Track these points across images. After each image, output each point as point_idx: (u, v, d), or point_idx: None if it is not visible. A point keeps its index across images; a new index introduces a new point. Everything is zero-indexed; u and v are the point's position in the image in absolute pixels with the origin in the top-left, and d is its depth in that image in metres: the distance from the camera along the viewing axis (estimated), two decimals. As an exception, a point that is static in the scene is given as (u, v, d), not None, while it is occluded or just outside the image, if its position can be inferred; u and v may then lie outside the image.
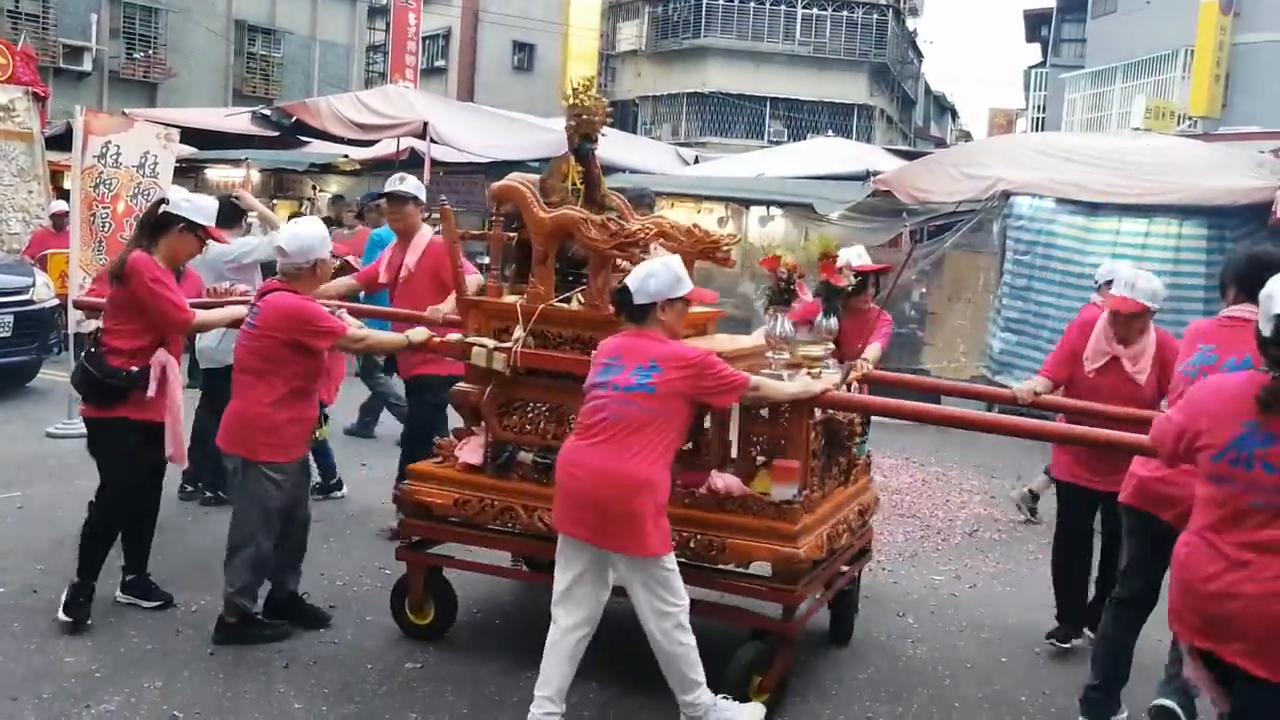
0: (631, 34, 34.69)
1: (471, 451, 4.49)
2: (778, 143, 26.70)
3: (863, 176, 12.99)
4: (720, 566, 4.18)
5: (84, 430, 4.94)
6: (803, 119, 31.98)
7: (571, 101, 4.69)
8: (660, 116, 33.88)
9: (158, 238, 4.61)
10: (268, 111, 14.00)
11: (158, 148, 9.16)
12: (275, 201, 15.31)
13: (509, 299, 4.52)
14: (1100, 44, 26.84)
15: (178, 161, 11.08)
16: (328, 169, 15.95)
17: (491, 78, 32.75)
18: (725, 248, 4.80)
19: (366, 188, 15.97)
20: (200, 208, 4.71)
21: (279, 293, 4.42)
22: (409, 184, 5.93)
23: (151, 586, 4.85)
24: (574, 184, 4.70)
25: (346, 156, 15.18)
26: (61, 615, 4.50)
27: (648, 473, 3.67)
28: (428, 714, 4.00)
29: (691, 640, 3.73)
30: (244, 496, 4.53)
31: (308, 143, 15.54)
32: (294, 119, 13.26)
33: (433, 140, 12.33)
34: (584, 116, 4.63)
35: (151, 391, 4.57)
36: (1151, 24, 23.71)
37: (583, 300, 4.42)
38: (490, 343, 4.37)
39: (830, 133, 22.59)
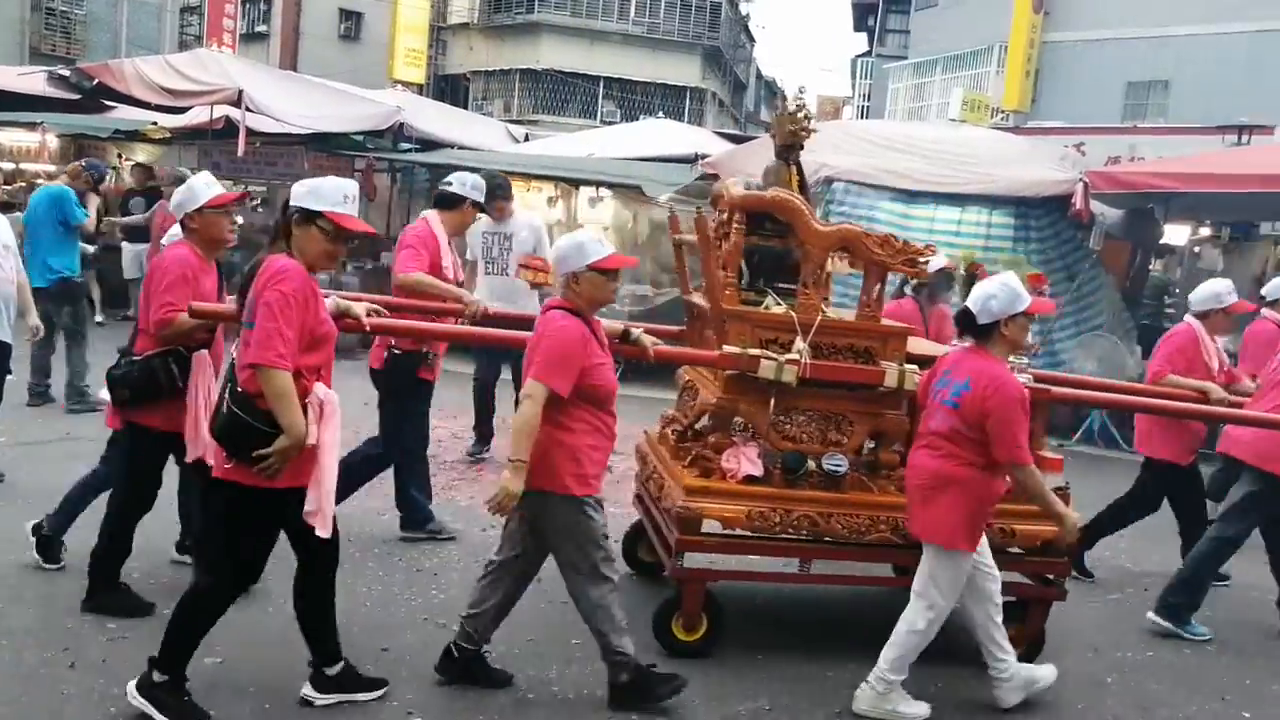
0: (463, 6, 34.01)
1: (751, 463, 4.54)
2: (610, 123, 26.69)
3: (691, 159, 13.10)
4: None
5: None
6: (636, 100, 32.06)
7: (789, 112, 4.98)
8: (492, 92, 33.40)
9: (288, 239, 3.59)
10: (66, 72, 13.05)
11: (-66, 107, 8.46)
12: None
13: (774, 309, 4.60)
14: (922, 36, 27.83)
15: (-39, 123, 10.29)
16: (134, 136, 15.04)
17: (316, 46, 31.67)
18: (924, 260, 4.59)
19: (177, 157, 15.18)
20: (317, 191, 3.54)
21: (554, 311, 3.89)
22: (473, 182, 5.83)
23: None
24: (797, 191, 4.84)
25: (155, 124, 14.34)
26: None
27: (955, 470, 4.01)
28: (230, 710, 3.76)
29: (930, 630, 4.12)
30: (560, 538, 3.95)
31: (113, 107, 14.65)
32: (96, 81, 12.42)
33: (248, 109, 11.76)
34: (808, 127, 4.97)
35: (313, 438, 3.49)
36: (969, 19, 24.70)
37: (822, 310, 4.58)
38: (779, 357, 4.43)
39: (662, 114, 22.71)
